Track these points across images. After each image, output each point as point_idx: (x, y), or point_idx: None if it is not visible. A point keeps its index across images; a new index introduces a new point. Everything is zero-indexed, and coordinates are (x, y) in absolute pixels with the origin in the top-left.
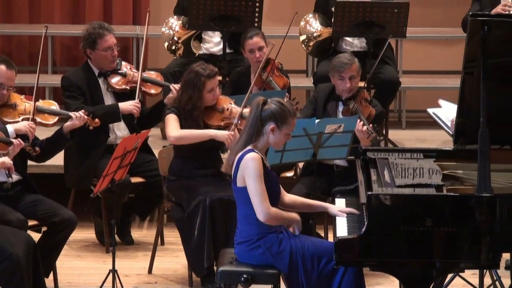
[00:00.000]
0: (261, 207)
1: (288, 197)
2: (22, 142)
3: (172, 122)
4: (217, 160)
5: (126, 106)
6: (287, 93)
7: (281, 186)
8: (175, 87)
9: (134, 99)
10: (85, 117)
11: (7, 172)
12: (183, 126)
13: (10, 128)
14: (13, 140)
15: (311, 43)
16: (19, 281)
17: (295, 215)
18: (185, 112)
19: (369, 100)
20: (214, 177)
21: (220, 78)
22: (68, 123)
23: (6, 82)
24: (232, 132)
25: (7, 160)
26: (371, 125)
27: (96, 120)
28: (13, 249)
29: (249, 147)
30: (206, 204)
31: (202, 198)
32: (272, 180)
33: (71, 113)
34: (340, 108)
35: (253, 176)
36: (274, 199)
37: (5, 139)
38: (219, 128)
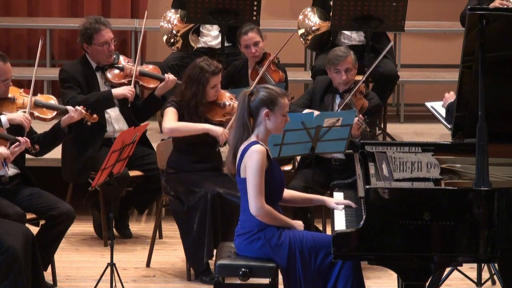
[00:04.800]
0: (255, 201)
1: (287, 192)
2: (28, 140)
3: (170, 114)
4: (214, 154)
5: (119, 90)
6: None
7: None
8: (169, 77)
9: None
10: (83, 111)
11: (3, 162)
12: (186, 121)
13: (3, 118)
14: (20, 138)
15: (310, 37)
16: (17, 274)
17: (294, 222)
18: (190, 108)
19: (364, 93)
20: (213, 171)
21: None
22: (65, 117)
23: (3, 75)
24: (227, 130)
25: (4, 150)
26: (361, 115)
27: (95, 115)
28: (11, 242)
29: (253, 139)
30: (207, 199)
31: (203, 193)
32: (276, 172)
33: (69, 107)
34: (337, 100)
35: (254, 169)
36: (280, 190)
37: (11, 137)
38: (220, 123)
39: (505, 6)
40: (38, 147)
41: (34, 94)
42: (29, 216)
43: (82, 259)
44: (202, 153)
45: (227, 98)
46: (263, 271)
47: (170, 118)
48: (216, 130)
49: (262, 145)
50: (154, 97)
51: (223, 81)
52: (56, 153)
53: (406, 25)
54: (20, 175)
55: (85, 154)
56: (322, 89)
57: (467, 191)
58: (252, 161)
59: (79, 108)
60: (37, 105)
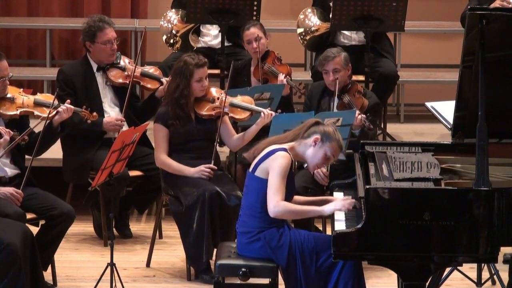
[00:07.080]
0: (271, 201)
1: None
2: (10, 131)
3: (160, 139)
4: (211, 152)
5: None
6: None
7: None
8: (166, 80)
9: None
10: (72, 108)
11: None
12: (171, 116)
13: None
14: (1, 128)
15: (308, 37)
16: (16, 272)
17: (325, 207)
18: (173, 100)
19: (362, 93)
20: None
21: (217, 71)
22: (56, 117)
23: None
24: (202, 167)
25: (9, 190)
26: (363, 114)
27: (94, 113)
28: (11, 239)
29: (285, 146)
30: (205, 198)
31: (201, 192)
32: (290, 181)
33: (60, 107)
34: (334, 103)
35: (277, 172)
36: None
37: None
38: (210, 117)
39: (505, 6)
40: (27, 138)
41: (34, 93)
42: (29, 216)
43: (82, 259)
44: (200, 149)
45: (217, 93)
46: (263, 271)
47: (161, 147)
48: (193, 172)
49: (289, 153)
50: (154, 98)
51: (229, 83)
52: (56, 153)
53: (406, 25)
54: (20, 175)
55: (84, 155)
56: (318, 94)
57: (467, 191)
58: (275, 164)
59: (69, 106)
60: (37, 104)
